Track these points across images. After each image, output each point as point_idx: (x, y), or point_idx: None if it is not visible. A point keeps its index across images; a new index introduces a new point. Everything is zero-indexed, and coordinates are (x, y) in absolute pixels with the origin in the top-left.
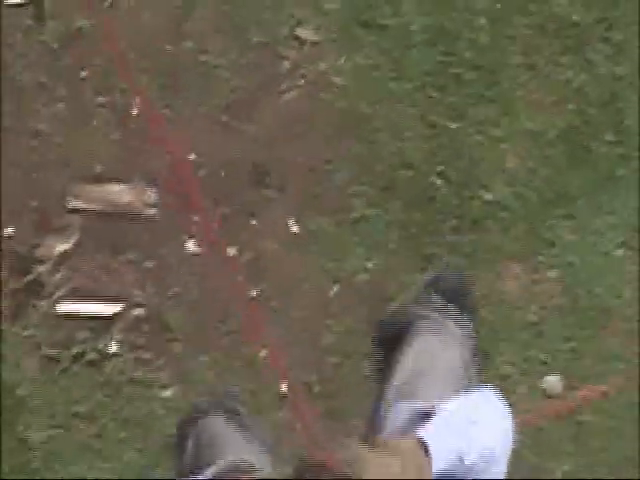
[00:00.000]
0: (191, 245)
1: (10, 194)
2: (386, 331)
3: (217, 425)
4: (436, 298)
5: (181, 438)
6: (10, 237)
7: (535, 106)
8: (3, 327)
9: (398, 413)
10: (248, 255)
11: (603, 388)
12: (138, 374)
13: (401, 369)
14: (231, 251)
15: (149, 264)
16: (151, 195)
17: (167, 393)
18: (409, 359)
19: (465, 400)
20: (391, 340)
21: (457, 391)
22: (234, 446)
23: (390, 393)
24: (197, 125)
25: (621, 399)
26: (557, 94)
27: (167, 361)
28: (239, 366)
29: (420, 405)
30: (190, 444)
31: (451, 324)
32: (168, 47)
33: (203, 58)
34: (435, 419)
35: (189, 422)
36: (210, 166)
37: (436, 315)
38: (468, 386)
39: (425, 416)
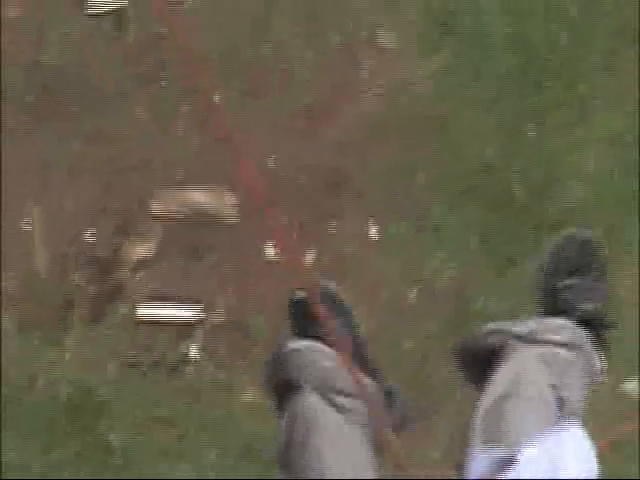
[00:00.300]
0: (270, 250)
1: (91, 199)
2: (475, 350)
3: (312, 408)
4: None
5: (276, 404)
6: (91, 242)
7: (613, 110)
8: (84, 330)
9: (479, 461)
10: (327, 260)
11: None
12: (218, 378)
13: (490, 392)
14: (310, 256)
15: (228, 269)
16: (231, 200)
17: (247, 397)
18: (498, 381)
19: (548, 444)
20: (482, 359)
21: (546, 418)
22: (327, 441)
23: (477, 419)
24: (276, 129)
25: None
26: (635, 98)
27: (247, 365)
28: None
29: (501, 452)
30: (284, 424)
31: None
32: (247, 50)
33: (282, 61)
34: (519, 466)
35: (284, 392)
36: (289, 171)
37: (534, 327)
38: (561, 409)
39: (507, 462)
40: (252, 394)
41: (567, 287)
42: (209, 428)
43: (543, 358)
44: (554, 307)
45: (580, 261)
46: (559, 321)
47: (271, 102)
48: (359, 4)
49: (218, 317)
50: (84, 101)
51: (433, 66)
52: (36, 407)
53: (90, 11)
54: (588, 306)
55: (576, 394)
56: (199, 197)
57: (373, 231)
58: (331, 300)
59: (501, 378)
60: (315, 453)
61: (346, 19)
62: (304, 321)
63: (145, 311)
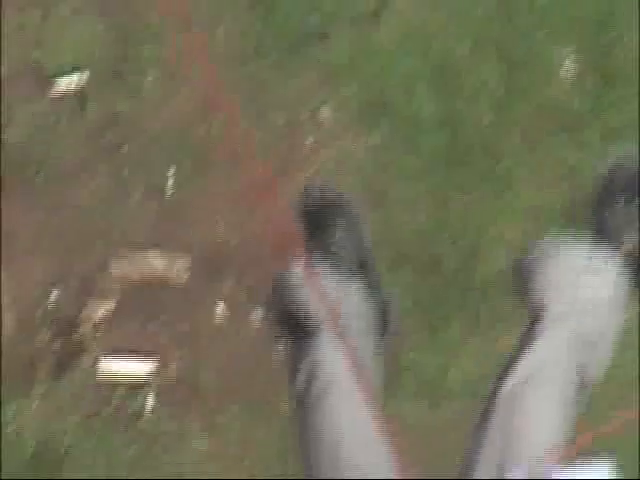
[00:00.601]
0: (219, 310)
1: (55, 264)
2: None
3: (330, 363)
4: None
5: (292, 357)
6: (55, 302)
7: (535, 184)
8: (48, 383)
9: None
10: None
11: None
12: (172, 427)
13: (514, 373)
14: (256, 316)
15: (181, 327)
16: (184, 264)
17: (198, 444)
18: (523, 364)
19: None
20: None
21: (564, 406)
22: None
23: (497, 400)
24: (225, 201)
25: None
26: (555, 172)
27: (198, 415)
28: (266, 417)
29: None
30: (305, 371)
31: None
32: (199, 129)
33: (231, 139)
34: None
35: (298, 333)
36: (237, 238)
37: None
38: (581, 389)
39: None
40: (202, 441)
41: (618, 212)
42: (164, 473)
43: (573, 341)
44: (602, 235)
45: (633, 186)
46: (604, 258)
47: (221, 175)
48: (302, 85)
49: (171, 371)
50: (47, 174)
51: (370, 142)
52: (2, 456)
53: (53, 94)
54: (633, 241)
55: (602, 365)
56: (154, 261)
57: None
58: (336, 202)
59: (527, 361)
60: (329, 412)
61: (290, 99)
62: (314, 225)
63: (105, 365)
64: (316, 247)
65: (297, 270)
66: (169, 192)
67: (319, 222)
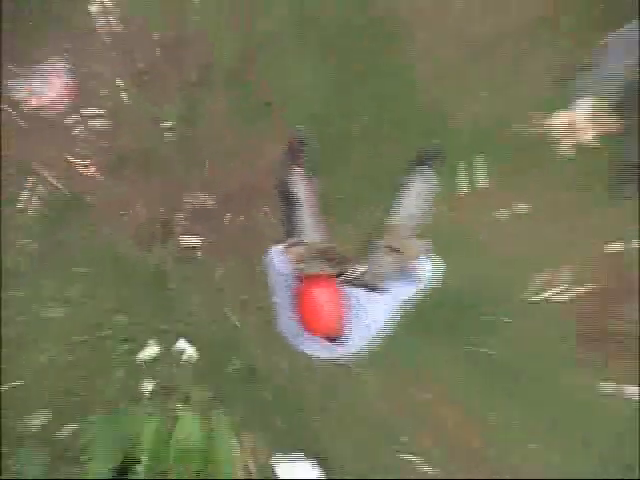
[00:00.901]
0: (232, 219)
1: (161, 203)
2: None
3: (305, 220)
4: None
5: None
6: (163, 215)
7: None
8: (160, 246)
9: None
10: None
11: None
12: (212, 264)
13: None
14: (253, 220)
15: (217, 225)
16: (217, 200)
17: (220, 275)
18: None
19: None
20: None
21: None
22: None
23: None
24: (238, 177)
25: None
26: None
27: (223, 256)
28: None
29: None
30: (291, 227)
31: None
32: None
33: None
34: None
35: (290, 203)
36: (242, 189)
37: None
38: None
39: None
40: (222, 271)
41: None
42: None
43: (407, 219)
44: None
45: (432, 154)
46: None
47: (236, 168)
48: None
49: (208, 243)
50: (159, 166)
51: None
52: (139, 274)
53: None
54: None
55: (418, 223)
56: (205, 199)
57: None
58: (305, 139)
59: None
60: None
61: (259, 140)
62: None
63: (184, 239)
64: (298, 161)
65: (296, 170)
66: (206, 174)
67: (299, 149)
